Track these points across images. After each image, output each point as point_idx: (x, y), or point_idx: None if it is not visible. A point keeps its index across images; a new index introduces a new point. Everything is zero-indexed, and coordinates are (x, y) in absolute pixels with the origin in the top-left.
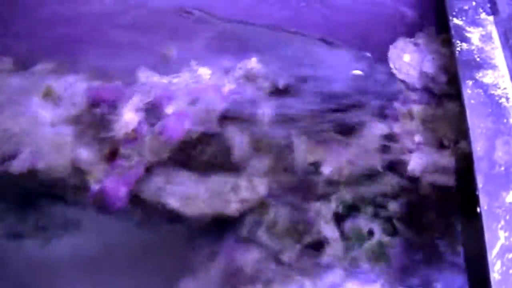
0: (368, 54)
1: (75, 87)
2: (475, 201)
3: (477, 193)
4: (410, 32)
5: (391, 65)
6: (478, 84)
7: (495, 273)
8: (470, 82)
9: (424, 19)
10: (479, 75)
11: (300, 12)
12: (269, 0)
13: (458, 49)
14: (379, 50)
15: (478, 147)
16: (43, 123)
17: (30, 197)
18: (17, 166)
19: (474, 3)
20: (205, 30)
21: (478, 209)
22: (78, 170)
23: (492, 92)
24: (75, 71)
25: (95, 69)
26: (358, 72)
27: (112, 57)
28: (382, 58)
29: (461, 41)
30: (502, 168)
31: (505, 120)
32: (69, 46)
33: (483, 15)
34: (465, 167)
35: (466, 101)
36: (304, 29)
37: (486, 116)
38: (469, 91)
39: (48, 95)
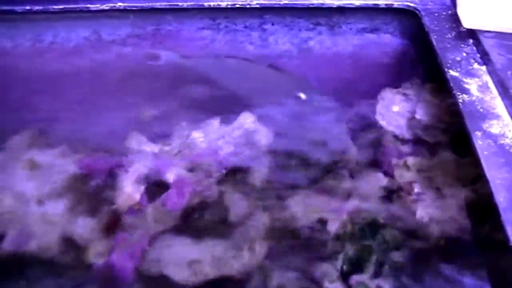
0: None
1: (61, 160)
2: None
3: (510, 245)
4: (396, 82)
5: (379, 117)
6: (487, 135)
7: None
8: (479, 134)
9: (409, 69)
10: (485, 125)
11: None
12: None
13: (461, 100)
14: (365, 101)
15: (501, 198)
16: (30, 200)
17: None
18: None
19: (465, 54)
20: (187, 85)
21: None
22: (75, 247)
23: (502, 142)
24: (57, 142)
25: (79, 138)
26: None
27: (93, 123)
28: (369, 109)
29: (461, 92)
30: None
31: None
32: (44, 114)
33: (476, 65)
34: (469, 214)
35: (479, 153)
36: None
37: (501, 166)
38: (480, 142)
39: (32, 169)
